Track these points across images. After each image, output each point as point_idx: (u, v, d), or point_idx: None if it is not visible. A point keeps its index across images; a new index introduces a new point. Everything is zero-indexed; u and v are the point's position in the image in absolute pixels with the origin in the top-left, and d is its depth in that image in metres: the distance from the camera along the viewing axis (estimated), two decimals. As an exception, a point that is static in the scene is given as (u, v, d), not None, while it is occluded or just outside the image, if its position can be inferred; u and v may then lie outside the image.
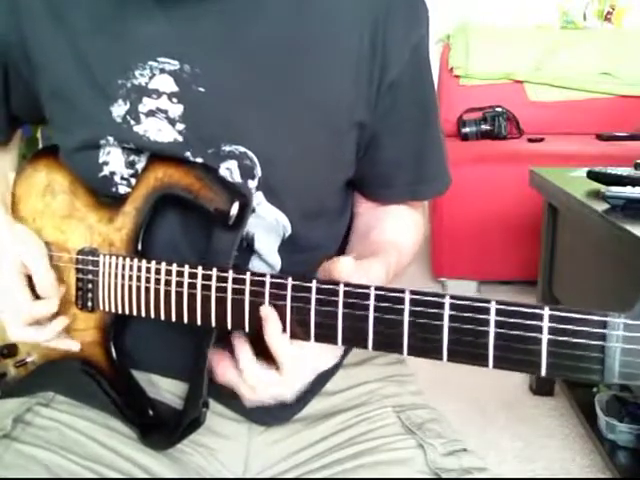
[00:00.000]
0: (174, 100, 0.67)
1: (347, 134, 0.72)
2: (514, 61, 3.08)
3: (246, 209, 0.64)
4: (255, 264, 0.72)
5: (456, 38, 3.15)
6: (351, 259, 0.59)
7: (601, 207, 1.40)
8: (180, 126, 0.67)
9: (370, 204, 0.82)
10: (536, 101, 3.09)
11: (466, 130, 2.98)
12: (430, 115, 0.78)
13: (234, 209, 0.63)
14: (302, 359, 0.60)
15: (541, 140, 2.87)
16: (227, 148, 0.68)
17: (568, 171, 1.83)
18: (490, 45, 3.11)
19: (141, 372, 0.73)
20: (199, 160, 0.68)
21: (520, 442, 1.73)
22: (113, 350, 0.71)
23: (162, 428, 0.70)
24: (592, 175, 1.57)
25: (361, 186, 0.81)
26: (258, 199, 0.69)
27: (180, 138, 0.67)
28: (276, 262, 0.72)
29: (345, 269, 0.58)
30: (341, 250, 0.80)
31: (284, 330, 0.59)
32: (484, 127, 2.96)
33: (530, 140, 2.88)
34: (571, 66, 3.06)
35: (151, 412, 0.71)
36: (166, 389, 0.74)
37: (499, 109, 2.98)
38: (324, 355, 0.62)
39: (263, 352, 0.61)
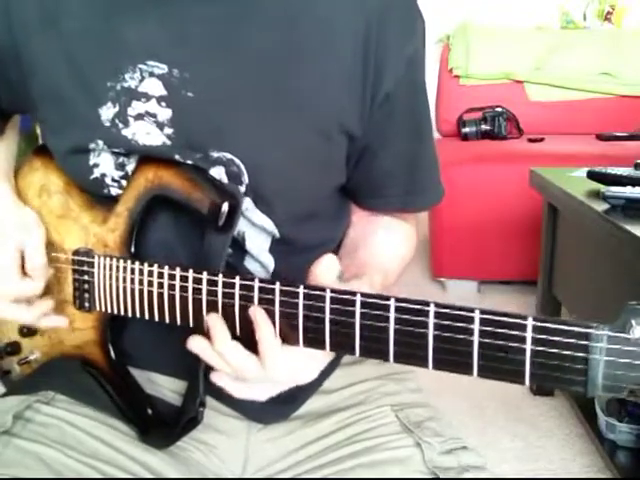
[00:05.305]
0: (163, 104, 0.66)
1: (337, 140, 0.71)
2: (514, 61, 3.08)
3: (236, 209, 0.64)
4: (249, 264, 0.72)
5: (456, 38, 3.14)
6: (332, 257, 0.59)
7: (601, 207, 1.40)
8: (168, 130, 0.67)
9: (363, 213, 0.82)
10: (536, 101, 3.09)
11: (466, 130, 2.98)
12: (424, 127, 0.78)
13: (224, 210, 0.63)
14: (286, 361, 0.60)
15: (541, 140, 2.87)
16: (215, 154, 0.67)
17: (568, 171, 1.83)
18: (490, 45, 3.11)
19: (140, 370, 0.74)
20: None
21: (520, 442, 1.73)
22: (111, 349, 0.72)
23: (161, 426, 0.70)
24: (592, 175, 1.56)
25: (353, 195, 0.80)
26: (246, 204, 0.69)
27: (168, 142, 0.67)
28: (268, 262, 0.72)
29: (329, 270, 0.59)
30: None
31: (274, 332, 0.59)
32: (484, 127, 2.96)
33: (530, 140, 2.87)
34: (571, 66, 3.05)
35: (150, 410, 0.71)
36: (165, 386, 0.75)
37: (499, 109, 2.98)
38: (307, 369, 0.62)
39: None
